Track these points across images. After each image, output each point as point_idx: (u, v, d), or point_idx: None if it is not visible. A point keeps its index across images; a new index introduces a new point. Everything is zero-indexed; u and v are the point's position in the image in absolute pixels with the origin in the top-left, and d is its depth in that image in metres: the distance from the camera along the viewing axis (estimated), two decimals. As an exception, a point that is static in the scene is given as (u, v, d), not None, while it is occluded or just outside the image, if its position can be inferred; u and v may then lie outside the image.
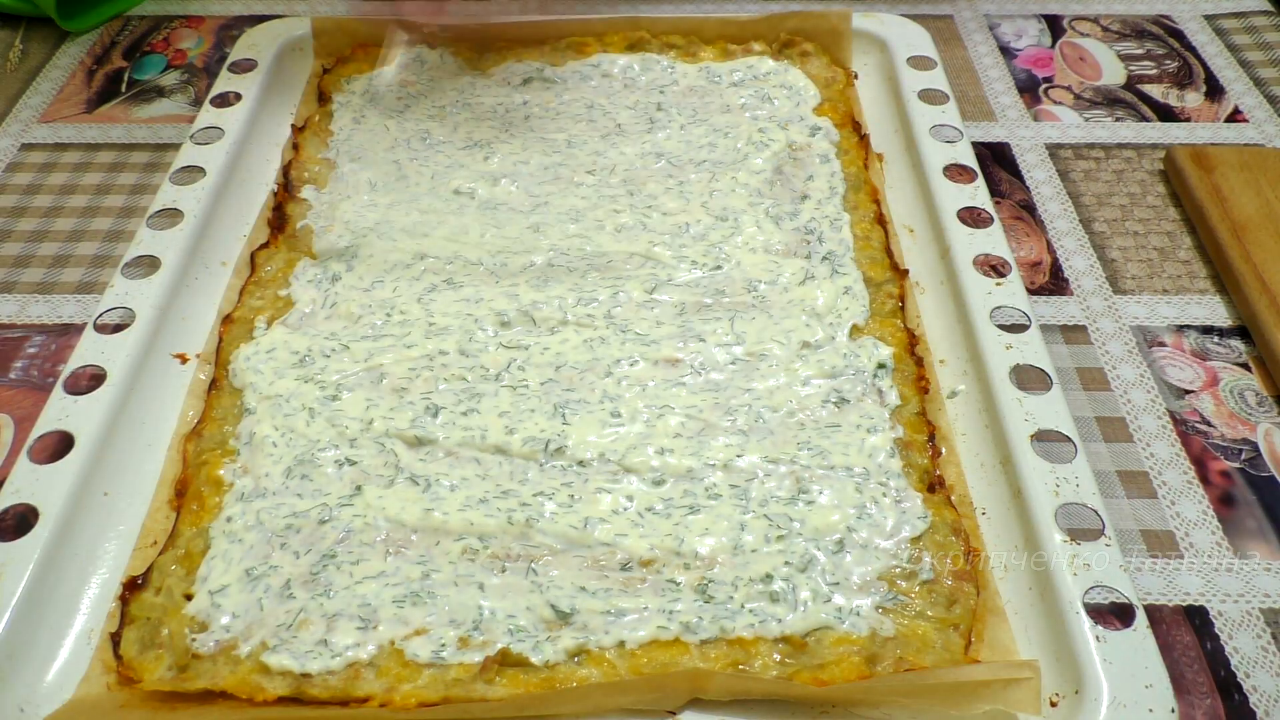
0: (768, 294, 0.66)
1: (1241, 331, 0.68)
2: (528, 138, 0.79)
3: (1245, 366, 0.66)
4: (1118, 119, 0.85)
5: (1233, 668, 0.52)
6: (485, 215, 0.73)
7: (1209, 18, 0.95)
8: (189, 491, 0.57)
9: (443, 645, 0.50)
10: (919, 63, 0.83)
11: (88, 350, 0.61)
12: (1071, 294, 0.70)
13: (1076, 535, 0.52)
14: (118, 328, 0.63)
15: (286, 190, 0.75)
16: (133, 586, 0.53)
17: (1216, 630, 0.53)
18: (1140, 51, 0.92)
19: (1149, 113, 0.86)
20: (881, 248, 0.69)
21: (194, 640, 0.50)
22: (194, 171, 0.73)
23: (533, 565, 0.53)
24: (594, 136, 0.79)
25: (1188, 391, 0.64)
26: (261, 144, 0.79)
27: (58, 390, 0.59)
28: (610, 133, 0.79)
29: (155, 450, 0.60)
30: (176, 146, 0.78)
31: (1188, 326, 0.68)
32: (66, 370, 0.60)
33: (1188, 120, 0.85)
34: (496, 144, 0.78)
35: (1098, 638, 0.48)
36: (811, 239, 0.70)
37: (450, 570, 0.53)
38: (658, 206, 0.73)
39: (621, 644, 0.50)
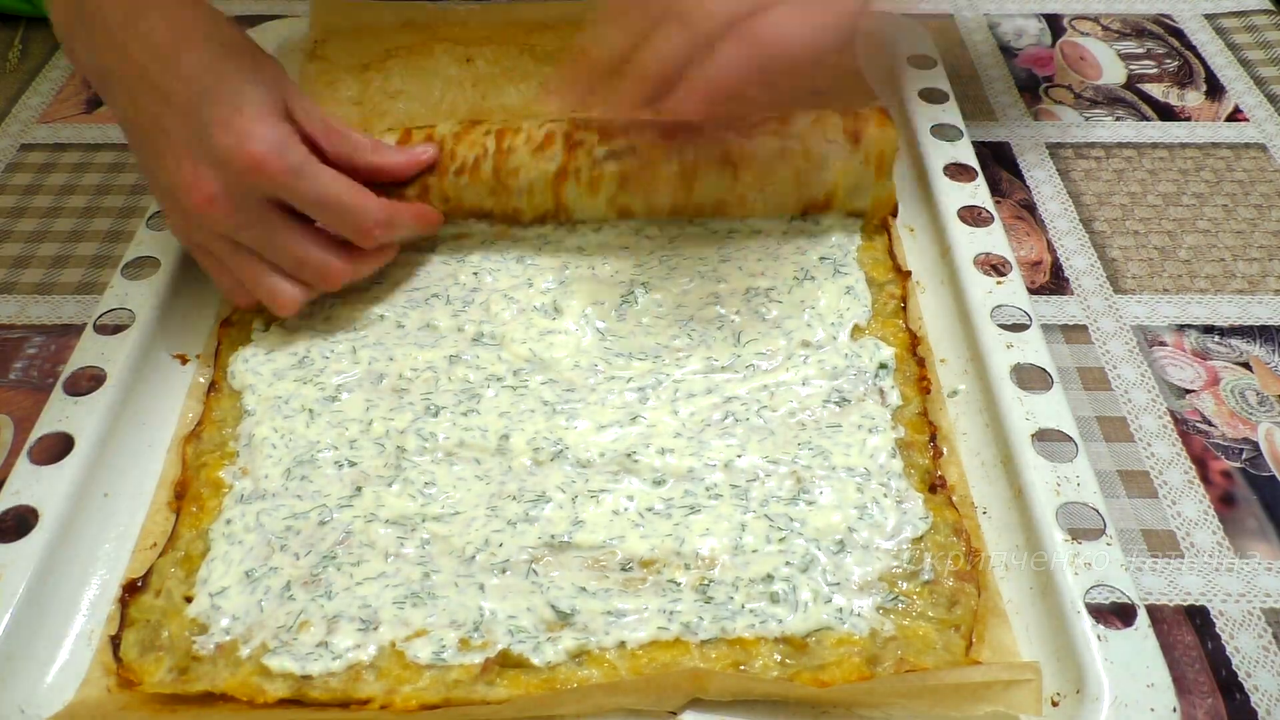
0: (770, 296, 0.66)
1: (1242, 331, 0.68)
2: None
3: (1246, 366, 0.66)
4: (1118, 118, 0.85)
5: (1234, 667, 0.51)
6: None
7: (1209, 17, 0.95)
8: (188, 493, 0.57)
9: (443, 646, 0.50)
10: (919, 62, 0.83)
11: (87, 351, 0.61)
12: (1072, 293, 0.70)
13: (1078, 535, 0.52)
14: (117, 329, 0.63)
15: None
16: (132, 589, 0.53)
17: (1218, 630, 0.53)
18: (1140, 51, 0.92)
19: (1149, 112, 0.85)
20: (884, 248, 0.69)
21: (194, 642, 0.50)
22: (193, 172, 0.73)
23: (533, 566, 0.53)
24: None
25: (1188, 391, 0.64)
26: (261, 144, 0.79)
27: (57, 391, 0.59)
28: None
29: (155, 451, 0.60)
30: (176, 147, 0.78)
31: (1188, 326, 0.68)
32: (66, 371, 0.60)
33: (1188, 119, 0.85)
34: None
35: (1099, 637, 0.48)
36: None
37: (450, 571, 0.53)
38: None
39: (622, 644, 0.50)
